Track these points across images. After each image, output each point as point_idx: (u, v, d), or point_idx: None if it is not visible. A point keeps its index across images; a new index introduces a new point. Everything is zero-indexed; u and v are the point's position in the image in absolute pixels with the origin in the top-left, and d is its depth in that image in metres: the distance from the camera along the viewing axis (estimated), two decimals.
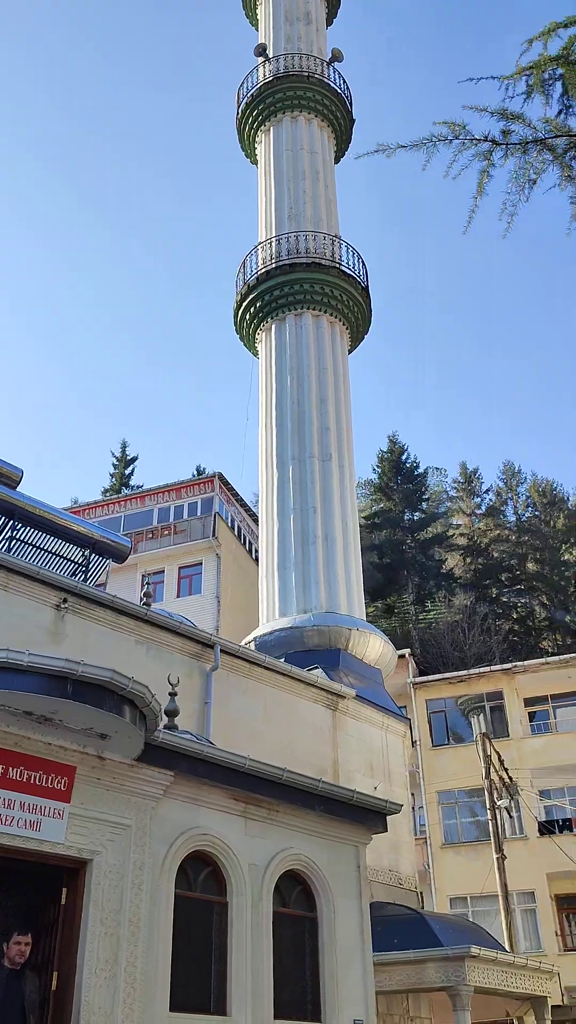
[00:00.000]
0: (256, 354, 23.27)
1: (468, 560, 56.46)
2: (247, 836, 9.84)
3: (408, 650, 33.22)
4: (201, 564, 36.22)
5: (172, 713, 11.18)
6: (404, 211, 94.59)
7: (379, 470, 58.69)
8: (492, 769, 22.38)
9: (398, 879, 15.69)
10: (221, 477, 37.85)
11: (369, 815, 11.11)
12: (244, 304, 22.81)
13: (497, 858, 21.31)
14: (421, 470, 59.44)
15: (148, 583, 16.50)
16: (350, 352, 23.56)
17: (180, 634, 13.87)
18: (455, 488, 61.91)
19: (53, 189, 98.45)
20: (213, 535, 35.90)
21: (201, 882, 9.41)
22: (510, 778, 23.71)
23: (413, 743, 30.24)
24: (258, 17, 28.73)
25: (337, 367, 21.94)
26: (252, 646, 18.02)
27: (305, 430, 20.52)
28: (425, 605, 55.24)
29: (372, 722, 16.73)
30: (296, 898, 10.30)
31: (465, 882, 27.02)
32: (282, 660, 17.00)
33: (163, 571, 36.52)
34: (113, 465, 64.11)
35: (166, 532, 37.18)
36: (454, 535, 58.00)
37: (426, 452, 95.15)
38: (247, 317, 22.90)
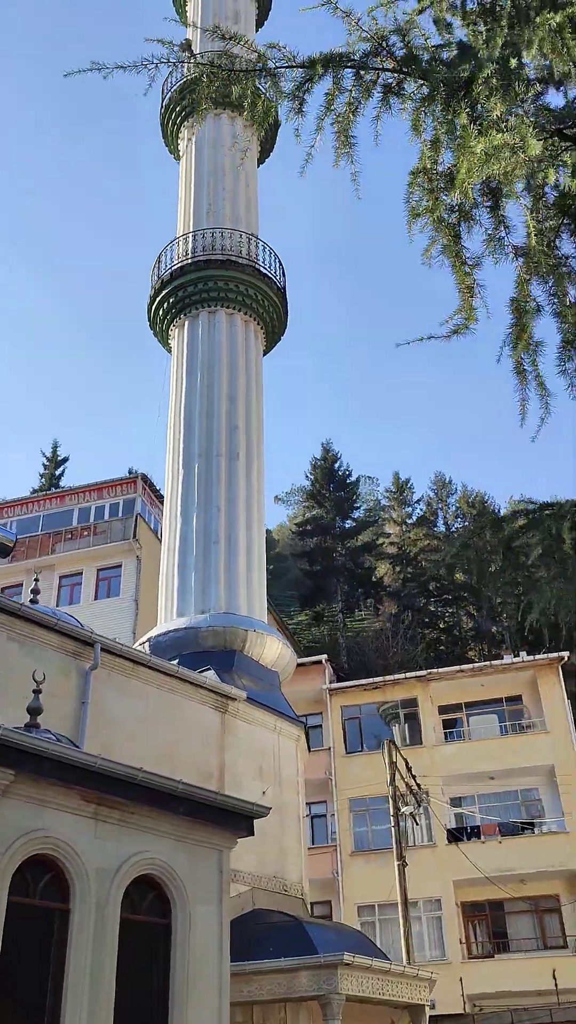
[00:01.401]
0: (170, 351, 22.88)
1: (398, 569, 56.75)
2: (97, 839, 9.41)
3: (325, 656, 33.04)
4: (121, 566, 35.52)
5: (34, 711, 10.72)
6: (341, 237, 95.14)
7: (312, 477, 58.69)
8: (398, 776, 22.29)
9: (283, 886, 15.37)
10: (144, 478, 37.23)
11: (234, 818, 10.78)
12: (158, 300, 22.41)
13: (398, 865, 21.17)
14: (354, 478, 59.64)
15: (38, 580, 15.94)
16: (266, 353, 23.33)
17: (58, 631, 13.37)
18: (387, 497, 62.28)
19: None
20: (134, 537, 35.25)
21: (41, 888, 8.95)
22: (418, 785, 23.63)
23: (327, 749, 30.07)
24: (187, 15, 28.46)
25: (249, 366, 21.67)
26: (147, 646, 17.58)
27: (213, 428, 20.19)
28: (354, 613, 55.30)
29: (264, 725, 16.42)
30: (150, 904, 9.91)
31: (373, 889, 26.83)
32: (176, 661, 16.60)
33: (81, 572, 35.72)
34: (43, 465, 62.94)
35: (86, 533, 36.39)
36: (384, 544, 58.28)
37: (360, 461, 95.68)
38: (160, 313, 22.51)
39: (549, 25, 5.26)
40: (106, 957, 8.97)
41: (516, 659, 30.00)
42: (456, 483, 63.45)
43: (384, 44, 3.95)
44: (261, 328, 22.66)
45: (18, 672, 12.31)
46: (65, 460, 63.45)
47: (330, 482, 57.95)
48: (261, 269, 22.52)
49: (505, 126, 3.42)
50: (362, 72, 3.87)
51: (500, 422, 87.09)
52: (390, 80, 3.87)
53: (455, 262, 3.97)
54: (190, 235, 22.91)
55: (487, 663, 31.15)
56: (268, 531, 78.45)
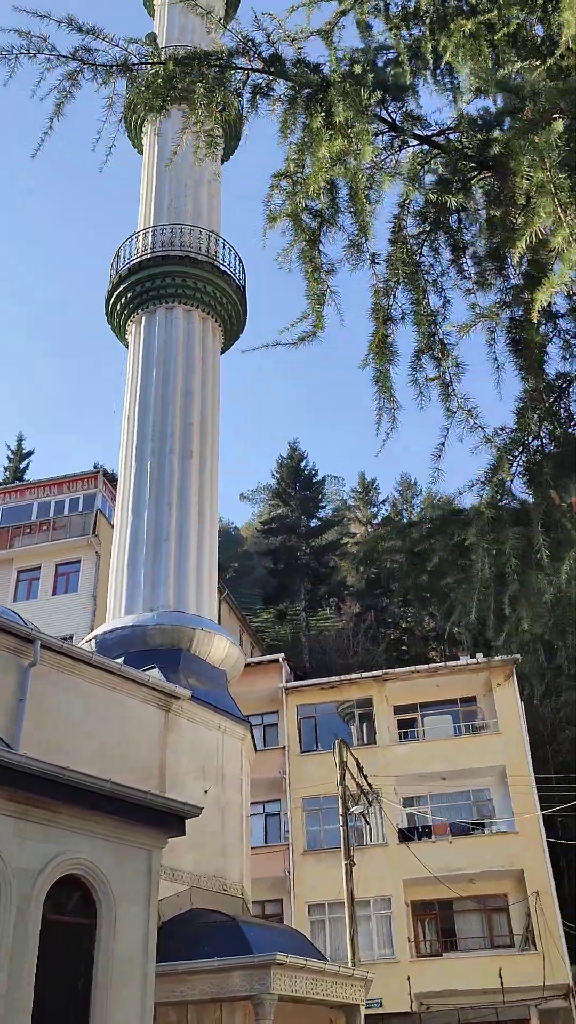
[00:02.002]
0: (127, 346, 22.71)
1: (361, 569, 56.91)
2: (19, 839, 9.31)
3: (282, 655, 33.03)
4: (80, 562, 35.26)
5: None
6: None
7: (278, 475, 58.68)
8: (348, 776, 22.37)
9: (223, 885, 15.34)
10: (106, 473, 37.00)
11: (165, 818, 10.73)
12: (115, 294, 22.23)
13: (346, 864, 21.27)
14: (320, 478, 59.72)
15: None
16: (224, 350, 23.24)
17: None
18: (353, 497, 62.47)
19: None
20: (94, 533, 35.00)
21: None
22: (369, 785, 23.71)
23: (282, 748, 30.09)
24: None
25: (207, 364, 21.58)
26: (94, 643, 17.45)
27: (167, 425, 20.07)
28: (316, 612, 55.39)
29: (208, 724, 16.37)
30: (75, 904, 9.84)
31: (325, 888, 26.86)
32: (122, 659, 16.49)
33: (40, 567, 35.41)
34: (8, 459, 62.30)
35: (45, 527, 36.08)
36: (349, 544, 58.43)
37: (327, 461, 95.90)
38: (118, 308, 22.33)
39: (463, 31, 5.28)
40: (26, 958, 8.89)
41: (471, 661, 30.18)
42: (421, 484, 63.87)
43: (251, 44, 3.93)
44: (219, 325, 22.57)
45: None
46: (30, 454, 62.92)
47: (296, 481, 57.98)
48: (220, 266, 22.43)
49: (351, 132, 3.41)
50: (229, 72, 3.84)
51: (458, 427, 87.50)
52: (259, 80, 3.85)
53: (308, 268, 3.96)
54: (150, 230, 22.75)
55: (442, 664, 31.34)
56: (236, 529, 78.53)
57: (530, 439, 3.87)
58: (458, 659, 32.27)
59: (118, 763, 13.92)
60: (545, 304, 3.12)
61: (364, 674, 30.99)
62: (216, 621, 19.36)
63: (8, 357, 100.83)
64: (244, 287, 23.09)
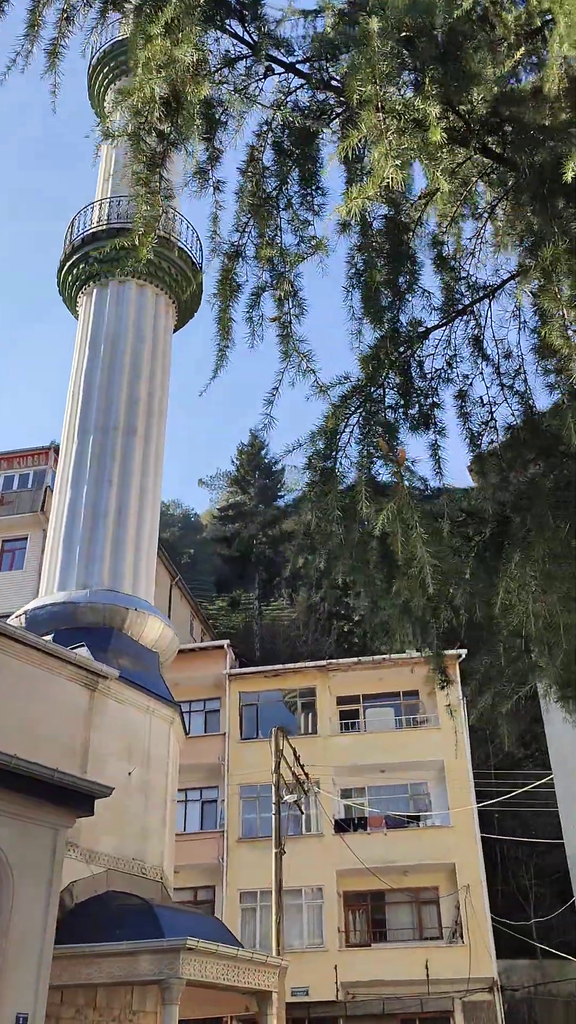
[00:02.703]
0: (77, 318, 22.23)
1: (300, 560, 56.79)
2: None
3: (227, 641, 32.79)
4: (27, 539, 34.66)
5: None
6: None
7: (237, 462, 58.33)
8: (284, 764, 22.23)
9: (142, 868, 15.09)
10: (56, 449, 36.32)
11: (74, 797, 10.46)
12: (67, 265, 21.73)
13: (276, 853, 21.13)
14: (280, 467, 59.46)
15: None
16: (177, 328, 22.87)
17: None
18: None
19: None
20: (42, 510, 34.37)
21: None
22: (306, 774, 23.60)
23: (223, 735, 29.89)
24: None
25: (157, 340, 21.20)
26: (23, 619, 17.05)
27: (112, 400, 19.68)
28: (270, 601, 55.22)
29: (136, 705, 16.08)
30: None
31: (258, 876, 26.68)
32: (51, 636, 16.12)
33: None
34: None
35: None
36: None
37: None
38: (69, 279, 21.84)
39: None
40: None
41: (415, 654, 30.19)
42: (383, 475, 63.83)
43: None
44: (173, 302, 22.18)
45: None
46: None
47: (256, 469, 57.66)
48: (178, 243, 22.02)
49: (181, 36, 3.15)
50: None
51: None
52: None
53: (142, 191, 3.71)
54: (106, 201, 22.26)
55: (385, 656, 31.28)
56: (196, 516, 77.94)
57: (374, 390, 3.66)
58: (403, 652, 32.33)
59: (40, 741, 13.57)
60: (347, 214, 2.90)
61: (308, 663, 30.90)
62: (153, 602, 19.06)
63: None
64: (201, 265, 22.72)
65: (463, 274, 3.94)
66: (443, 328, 3.93)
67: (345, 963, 25.72)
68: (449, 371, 3.98)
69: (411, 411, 3.83)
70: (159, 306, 21.59)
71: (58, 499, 19.33)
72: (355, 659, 30.94)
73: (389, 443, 3.59)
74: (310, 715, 30.45)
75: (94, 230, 21.66)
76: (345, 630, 53.41)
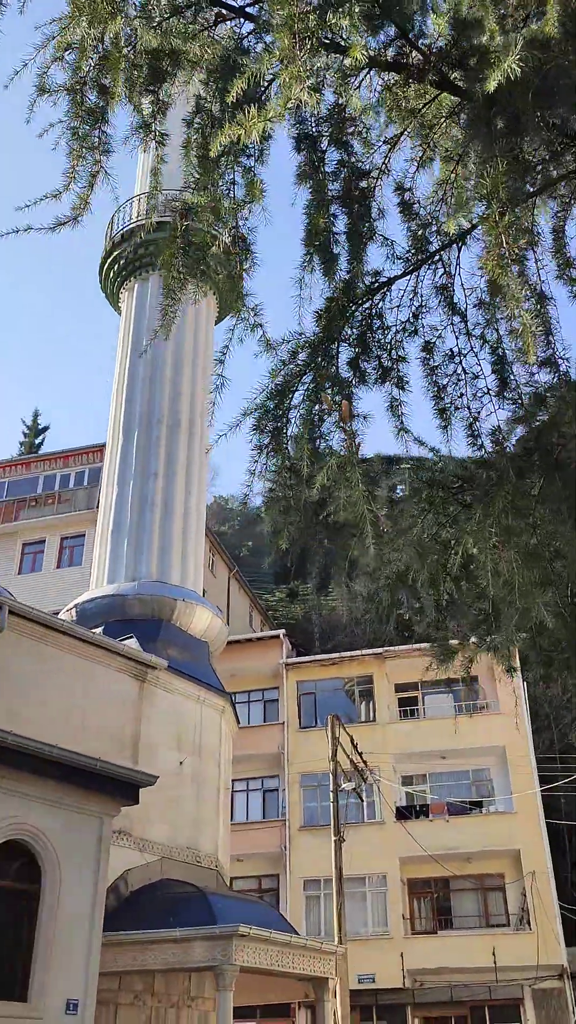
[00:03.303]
0: (120, 313, 22.42)
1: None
2: None
3: (283, 631, 32.82)
4: (84, 535, 35.22)
5: None
6: None
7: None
8: (341, 752, 22.16)
9: (196, 857, 15.21)
10: None
11: (117, 786, 10.57)
12: (109, 260, 21.92)
13: (335, 841, 21.09)
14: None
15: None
16: (219, 320, 22.87)
17: None
18: None
19: None
20: (98, 506, 34.89)
21: None
22: (364, 762, 23.52)
23: (281, 724, 29.96)
24: None
25: (199, 333, 21.24)
26: (74, 613, 17.32)
27: (155, 395, 19.80)
28: (328, 591, 55.04)
29: (187, 695, 16.18)
30: (18, 870, 9.70)
31: (320, 864, 26.68)
32: (101, 628, 16.34)
33: (44, 541, 35.46)
34: (24, 434, 62.47)
35: (50, 501, 36.06)
36: None
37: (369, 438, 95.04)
38: (111, 274, 22.03)
39: None
40: None
41: (474, 640, 29.75)
42: None
43: None
44: (213, 293, 22.16)
45: None
46: (45, 429, 63.09)
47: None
48: (219, 235, 21.98)
49: None
50: None
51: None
52: None
53: (76, 146, 3.63)
54: (145, 194, 22.34)
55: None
56: (258, 508, 78.16)
57: (329, 345, 3.53)
58: (468, 639, 31.85)
59: (90, 732, 13.78)
60: (247, 138, 2.78)
61: (364, 651, 30.71)
62: (209, 594, 19.17)
63: (26, 327, 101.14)
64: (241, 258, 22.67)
65: (430, 221, 3.77)
66: (408, 278, 3.78)
67: (411, 950, 25.59)
68: (415, 322, 3.82)
69: (370, 365, 3.69)
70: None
71: (105, 493, 19.56)
72: (412, 646, 30.56)
73: (333, 399, 3.47)
74: (369, 703, 30.32)
75: (133, 225, 21.78)
76: (406, 618, 53.06)
